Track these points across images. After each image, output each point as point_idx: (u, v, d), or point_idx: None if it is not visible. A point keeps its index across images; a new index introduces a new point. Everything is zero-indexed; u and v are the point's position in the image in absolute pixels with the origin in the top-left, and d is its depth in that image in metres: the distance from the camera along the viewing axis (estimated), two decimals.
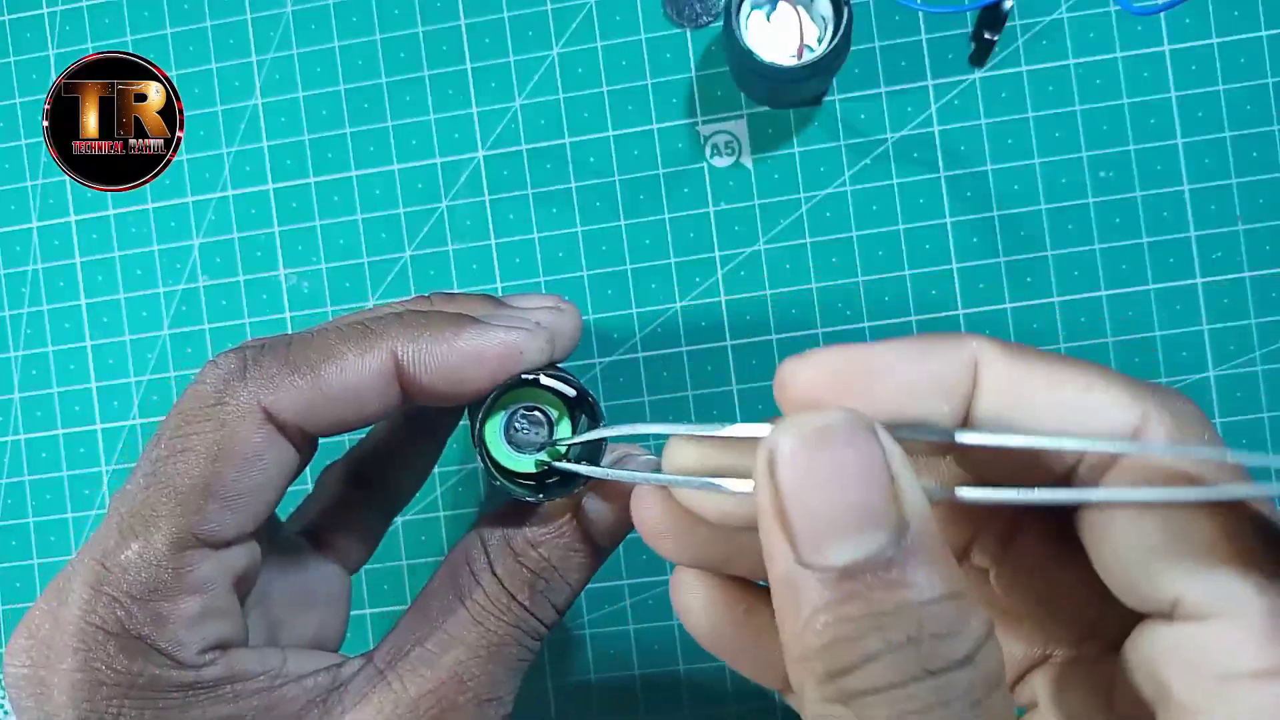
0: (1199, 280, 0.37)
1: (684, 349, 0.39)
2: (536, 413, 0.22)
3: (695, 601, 0.21)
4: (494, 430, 0.22)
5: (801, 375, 0.17)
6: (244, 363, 0.21)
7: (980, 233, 0.37)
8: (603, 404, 0.39)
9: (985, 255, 0.38)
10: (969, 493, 0.17)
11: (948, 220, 0.38)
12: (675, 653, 0.39)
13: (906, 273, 0.38)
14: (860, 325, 0.38)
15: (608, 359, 0.39)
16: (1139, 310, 0.37)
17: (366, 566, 0.39)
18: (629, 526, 0.22)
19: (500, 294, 0.39)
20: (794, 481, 0.16)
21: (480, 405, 0.22)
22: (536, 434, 0.22)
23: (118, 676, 0.19)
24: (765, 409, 0.38)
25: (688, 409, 0.39)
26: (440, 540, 0.40)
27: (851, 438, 0.16)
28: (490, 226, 0.39)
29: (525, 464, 0.22)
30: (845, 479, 0.15)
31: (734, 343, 0.38)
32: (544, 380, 0.21)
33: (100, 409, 0.41)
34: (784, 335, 0.38)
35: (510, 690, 0.22)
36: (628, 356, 0.39)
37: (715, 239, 0.38)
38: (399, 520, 0.40)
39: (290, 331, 0.40)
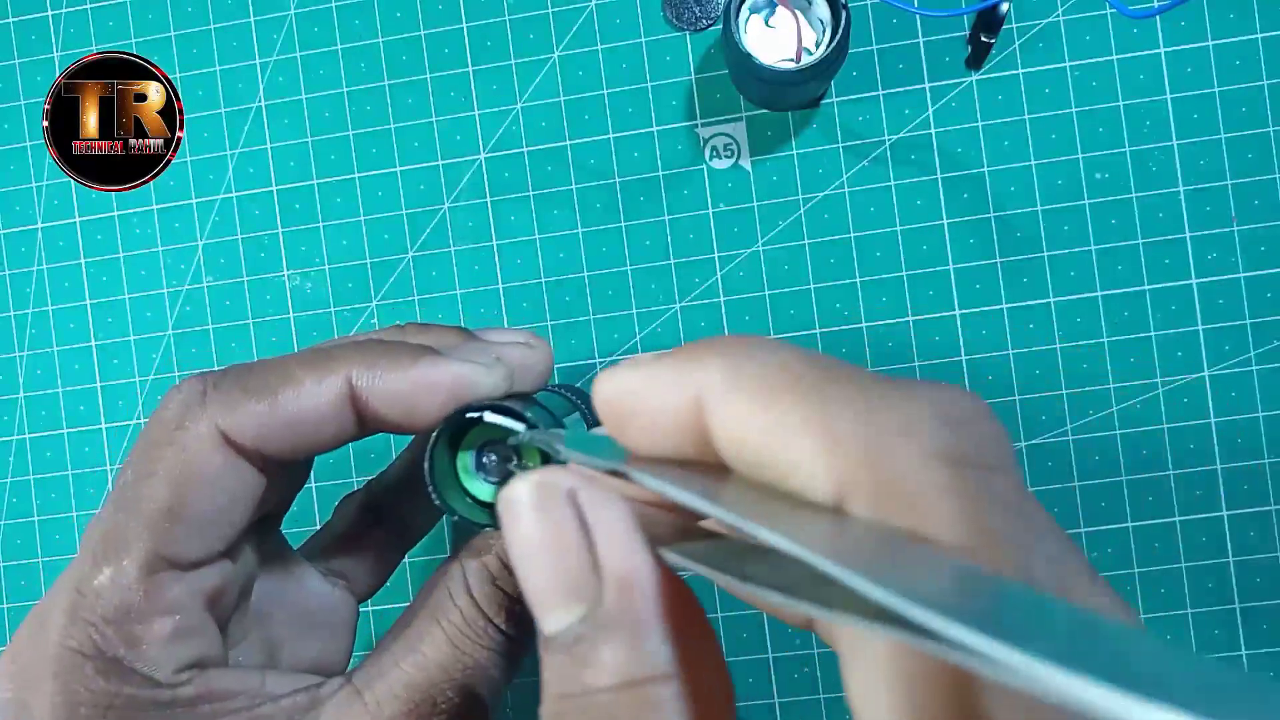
0: (1194, 281, 0.37)
1: None
2: (502, 445, 0.22)
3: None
4: (466, 461, 0.22)
5: (600, 394, 0.16)
6: (204, 388, 0.21)
7: (977, 234, 0.38)
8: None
9: (982, 256, 0.38)
10: (675, 557, 0.15)
11: (944, 221, 0.38)
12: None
13: (904, 273, 0.38)
14: (858, 325, 0.38)
15: (608, 359, 0.39)
16: (1134, 310, 0.37)
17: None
18: None
19: (501, 295, 0.40)
20: (510, 543, 0.15)
21: (441, 440, 0.22)
22: (504, 464, 0.22)
23: (95, 697, 0.20)
24: None
25: None
26: None
27: (541, 501, 0.15)
28: (492, 228, 0.40)
29: (485, 491, 0.23)
30: (542, 546, 0.15)
31: None
32: (487, 417, 0.22)
33: (105, 408, 0.41)
34: (782, 336, 0.39)
35: (485, 712, 0.23)
36: (628, 357, 0.39)
37: (714, 240, 0.39)
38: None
39: (293, 329, 0.40)
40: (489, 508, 0.22)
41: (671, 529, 0.17)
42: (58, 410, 0.41)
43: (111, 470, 0.41)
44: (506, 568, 0.22)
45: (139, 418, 0.41)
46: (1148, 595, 0.37)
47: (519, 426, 0.22)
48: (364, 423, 0.22)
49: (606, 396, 0.16)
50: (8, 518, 0.42)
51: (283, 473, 0.23)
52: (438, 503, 0.22)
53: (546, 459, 0.22)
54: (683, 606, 0.15)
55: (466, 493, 0.23)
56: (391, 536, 0.28)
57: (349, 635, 0.27)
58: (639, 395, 0.15)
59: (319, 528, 0.29)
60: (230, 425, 0.21)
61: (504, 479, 0.22)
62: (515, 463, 0.22)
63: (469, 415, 0.21)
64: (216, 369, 0.22)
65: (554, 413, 0.25)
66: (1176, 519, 0.37)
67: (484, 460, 0.22)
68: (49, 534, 0.42)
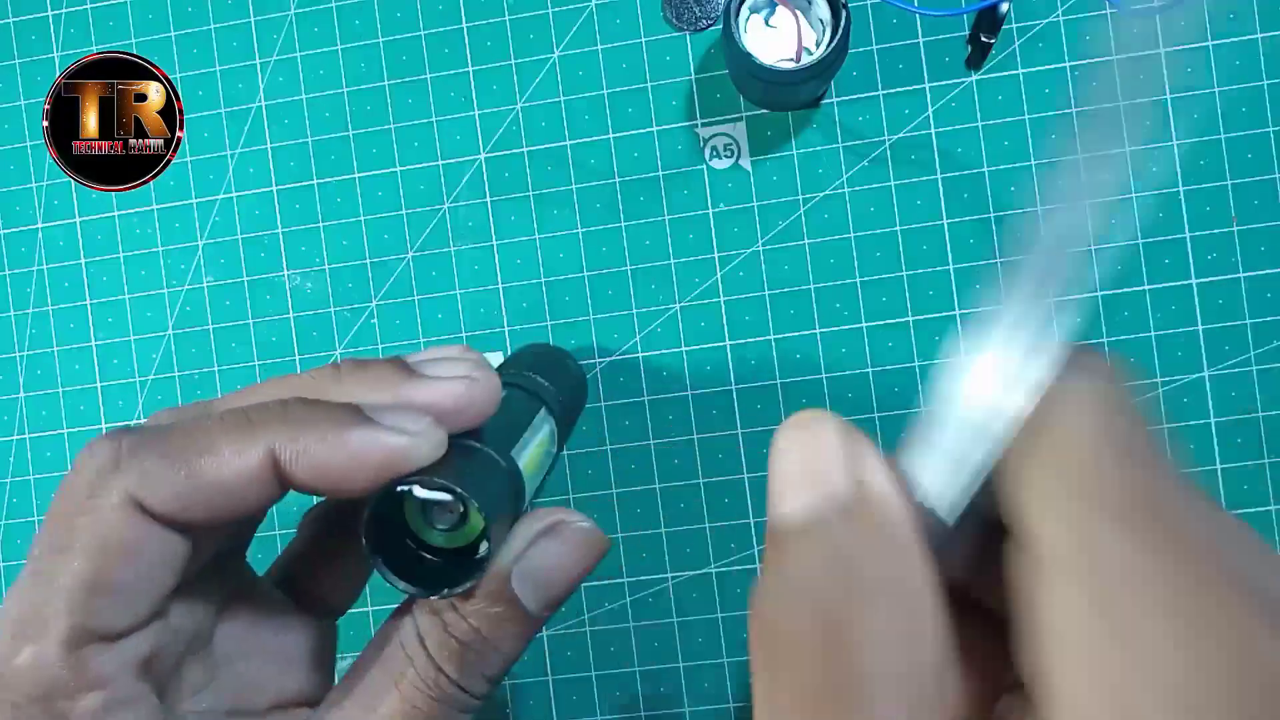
0: (1194, 281, 0.37)
1: (683, 349, 0.39)
2: (425, 491, 0.21)
3: None
4: (412, 514, 0.22)
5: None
6: (118, 454, 0.20)
7: (976, 234, 0.38)
8: (607, 388, 0.39)
9: (982, 256, 0.38)
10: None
11: (944, 221, 0.38)
12: (675, 650, 0.39)
13: (904, 273, 0.38)
14: (858, 325, 0.38)
15: (607, 359, 0.39)
16: (1134, 310, 0.37)
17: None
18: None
19: (501, 294, 0.40)
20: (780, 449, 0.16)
21: (373, 517, 0.21)
22: (451, 514, 0.22)
23: None
24: (763, 409, 0.39)
25: (687, 409, 0.39)
26: None
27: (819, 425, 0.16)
28: (492, 228, 0.40)
29: (438, 538, 0.22)
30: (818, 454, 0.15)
31: (732, 343, 0.39)
32: (417, 492, 0.21)
33: (105, 409, 0.41)
34: (781, 336, 0.39)
35: None
36: (627, 356, 0.39)
37: (714, 240, 0.39)
38: None
39: (293, 329, 0.40)
40: (445, 555, 0.22)
41: None
42: (58, 410, 0.42)
43: None
44: (461, 615, 0.22)
45: (139, 418, 0.41)
46: None
47: (446, 498, 0.21)
48: (288, 489, 0.21)
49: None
50: (8, 518, 0.42)
51: (211, 533, 0.22)
52: (392, 583, 0.21)
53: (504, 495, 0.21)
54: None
55: (419, 544, 0.22)
56: (358, 547, 0.28)
57: (328, 659, 0.26)
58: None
59: (282, 550, 0.28)
60: (144, 494, 0.20)
61: (454, 528, 0.22)
62: (464, 511, 0.22)
63: (400, 489, 0.21)
64: (135, 427, 0.21)
65: (504, 447, 0.24)
66: None
67: (429, 512, 0.22)
68: None
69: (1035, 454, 0.14)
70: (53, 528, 0.20)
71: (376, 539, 0.21)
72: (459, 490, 0.20)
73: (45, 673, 0.19)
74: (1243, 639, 0.11)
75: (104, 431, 0.21)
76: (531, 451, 0.26)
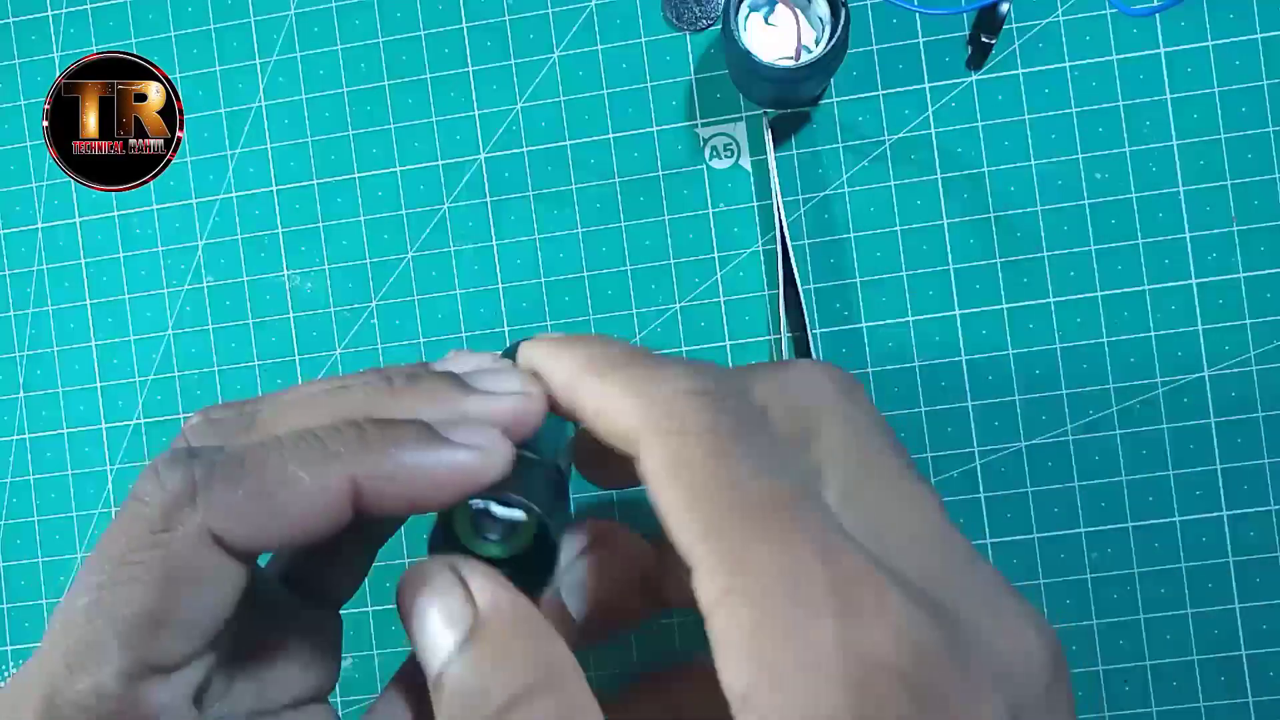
0: (1194, 281, 0.37)
1: (683, 349, 0.39)
2: (502, 509, 0.22)
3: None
4: (465, 528, 0.22)
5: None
6: (192, 484, 0.20)
7: (977, 234, 0.38)
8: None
9: (982, 256, 0.38)
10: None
11: (944, 221, 0.38)
12: (674, 649, 0.39)
13: (903, 274, 0.38)
14: (858, 325, 0.38)
15: None
16: (1134, 311, 0.37)
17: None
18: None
19: (501, 294, 0.40)
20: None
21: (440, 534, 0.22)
22: (502, 523, 0.22)
23: None
24: None
25: None
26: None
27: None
28: (492, 227, 0.40)
29: (494, 550, 0.22)
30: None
31: (732, 343, 0.39)
32: (495, 511, 0.21)
33: (105, 408, 0.41)
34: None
35: None
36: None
37: (714, 240, 0.39)
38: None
39: (293, 329, 0.40)
40: (499, 564, 0.22)
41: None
42: (58, 410, 0.41)
43: (112, 470, 0.41)
44: None
45: (139, 418, 0.41)
46: (1147, 595, 0.37)
47: (520, 516, 0.21)
48: (361, 514, 0.21)
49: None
50: (8, 518, 0.42)
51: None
52: None
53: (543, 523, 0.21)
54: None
55: (466, 554, 0.22)
56: (362, 536, 0.27)
57: (335, 652, 0.26)
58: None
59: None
60: (223, 529, 0.19)
61: (505, 538, 0.22)
62: (512, 526, 0.22)
63: (475, 506, 0.21)
64: (199, 450, 0.21)
65: (551, 453, 0.24)
66: (1176, 519, 0.37)
67: (482, 524, 0.22)
68: (49, 534, 0.42)
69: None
70: (116, 554, 0.20)
71: (458, 536, 0.21)
72: (535, 509, 0.21)
73: (101, 704, 0.19)
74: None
75: (168, 453, 0.20)
76: (567, 457, 0.27)
